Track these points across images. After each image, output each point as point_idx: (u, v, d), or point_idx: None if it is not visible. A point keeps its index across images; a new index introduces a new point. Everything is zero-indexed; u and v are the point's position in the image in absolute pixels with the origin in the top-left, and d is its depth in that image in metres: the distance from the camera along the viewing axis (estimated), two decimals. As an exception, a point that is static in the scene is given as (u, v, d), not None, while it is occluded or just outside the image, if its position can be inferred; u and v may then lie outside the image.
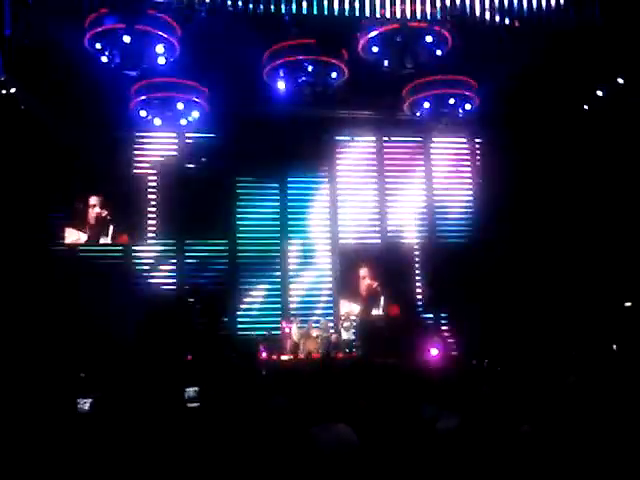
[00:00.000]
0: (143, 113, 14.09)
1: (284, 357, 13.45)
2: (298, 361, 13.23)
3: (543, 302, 14.28)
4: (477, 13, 11.42)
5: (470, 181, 16.55)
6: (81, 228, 15.20)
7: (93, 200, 15.33)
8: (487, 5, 11.42)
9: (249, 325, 14.98)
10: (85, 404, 6.79)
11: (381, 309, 15.40)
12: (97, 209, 15.35)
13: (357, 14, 11.77)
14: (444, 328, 15.59)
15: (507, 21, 11.45)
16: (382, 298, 15.48)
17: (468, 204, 16.43)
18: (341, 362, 12.95)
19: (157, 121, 14.27)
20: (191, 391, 7.71)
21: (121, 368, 10.35)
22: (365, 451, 5.05)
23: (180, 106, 13.96)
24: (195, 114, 14.23)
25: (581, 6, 11.43)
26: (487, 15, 11.40)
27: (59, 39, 11.74)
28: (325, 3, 11.51)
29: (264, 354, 13.31)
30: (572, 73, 13.21)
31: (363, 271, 15.64)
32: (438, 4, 11.55)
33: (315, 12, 11.99)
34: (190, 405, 7.55)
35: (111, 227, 15.30)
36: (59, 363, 11.23)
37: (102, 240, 15.29)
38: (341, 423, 5.17)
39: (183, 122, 14.31)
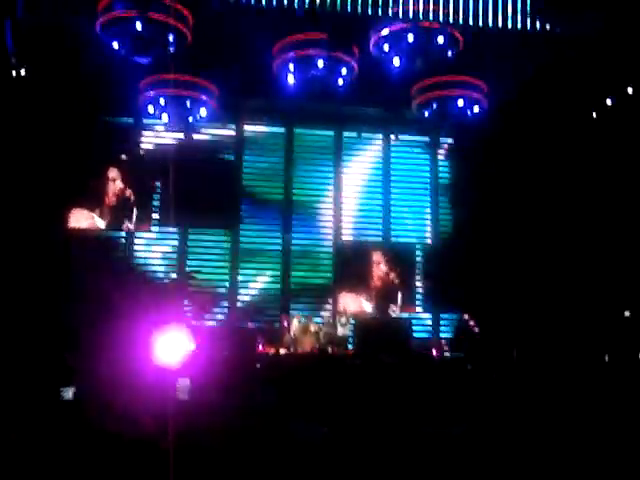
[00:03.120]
0: (151, 109, 14.14)
1: (281, 351, 13.45)
2: (295, 356, 13.25)
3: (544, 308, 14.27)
4: (489, 18, 11.47)
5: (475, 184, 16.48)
6: (96, 210, 14.42)
7: (113, 172, 14.64)
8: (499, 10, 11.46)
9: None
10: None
11: (397, 306, 15.35)
12: (119, 183, 14.68)
13: (370, 11, 11.82)
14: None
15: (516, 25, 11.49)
16: (399, 294, 15.43)
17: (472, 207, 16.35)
18: (340, 359, 12.98)
19: (164, 117, 14.36)
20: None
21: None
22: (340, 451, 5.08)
23: (188, 104, 13.97)
24: (203, 112, 14.27)
25: (582, 15, 11.47)
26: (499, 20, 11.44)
27: (71, 23, 11.80)
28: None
29: (260, 347, 13.31)
30: (581, 81, 13.21)
31: (373, 263, 15.60)
32: (451, 5, 11.60)
33: (328, 7, 12.06)
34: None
35: (135, 211, 14.62)
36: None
37: (124, 227, 14.54)
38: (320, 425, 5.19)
39: (190, 119, 14.34)
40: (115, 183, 14.62)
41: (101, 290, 13.12)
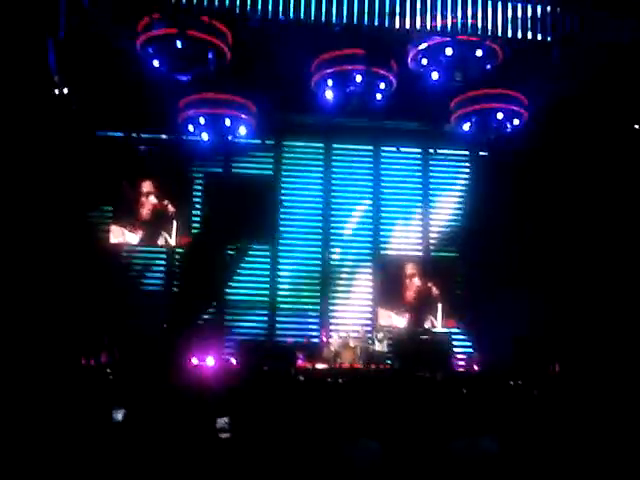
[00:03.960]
0: (191, 128, 14.31)
1: (321, 366, 13.43)
2: (336, 370, 13.21)
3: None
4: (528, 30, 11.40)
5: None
6: (129, 225, 14.30)
7: (147, 186, 14.57)
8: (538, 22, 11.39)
9: (287, 332, 15.00)
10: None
11: (438, 320, 15.17)
12: (153, 198, 14.59)
13: (407, 25, 11.81)
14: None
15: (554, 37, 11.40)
16: (439, 307, 15.25)
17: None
18: (377, 374, 12.93)
19: (205, 136, 14.52)
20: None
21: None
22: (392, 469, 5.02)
23: (228, 122, 14.13)
24: (242, 130, 14.40)
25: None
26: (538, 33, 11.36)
27: (112, 40, 12.00)
28: (376, 14, 11.55)
29: (300, 361, 13.30)
30: (622, 97, 13.05)
31: (413, 277, 15.48)
32: (489, 18, 11.55)
33: (366, 22, 12.06)
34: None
35: (174, 224, 14.42)
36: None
37: (161, 242, 14.42)
38: (373, 440, 5.14)
39: (230, 137, 14.48)
40: (149, 198, 14.61)
41: (142, 305, 13.26)
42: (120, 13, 11.20)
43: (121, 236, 14.35)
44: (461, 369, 14.39)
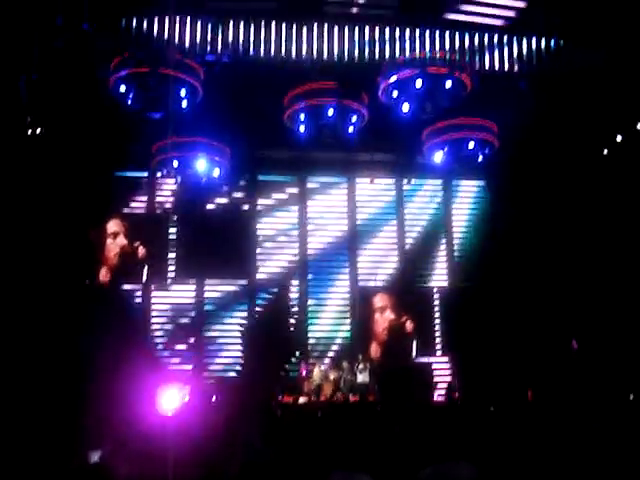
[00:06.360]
0: (163, 170, 14.48)
1: (302, 400, 13.33)
2: (317, 404, 13.13)
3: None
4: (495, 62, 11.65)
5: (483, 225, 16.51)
6: (108, 264, 14.37)
7: (114, 226, 14.59)
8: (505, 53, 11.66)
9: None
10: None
11: (413, 353, 15.20)
12: (121, 239, 14.60)
13: (377, 59, 11.99)
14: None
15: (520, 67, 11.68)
16: (414, 342, 15.27)
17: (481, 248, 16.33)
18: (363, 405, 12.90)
19: (178, 178, 14.69)
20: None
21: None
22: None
23: (201, 165, 14.17)
24: (216, 172, 14.45)
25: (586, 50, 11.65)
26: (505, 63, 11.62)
27: (85, 81, 12.03)
28: (345, 48, 11.72)
29: (280, 397, 13.20)
30: (590, 118, 13.31)
31: (388, 312, 15.53)
32: (457, 49, 11.78)
33: (337, 56, 12.23)
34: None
35: (145, 268, 14.44)
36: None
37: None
38: (363, 473, 5.08)
39: (204, 180, 14.52)
40: (120, 238, 14.62)
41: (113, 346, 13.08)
42: (95, 51, 11.22)
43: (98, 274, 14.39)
44: (441, 397, 14.40)
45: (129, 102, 12.04)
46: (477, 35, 12.10)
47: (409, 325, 15.33)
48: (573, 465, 5.91)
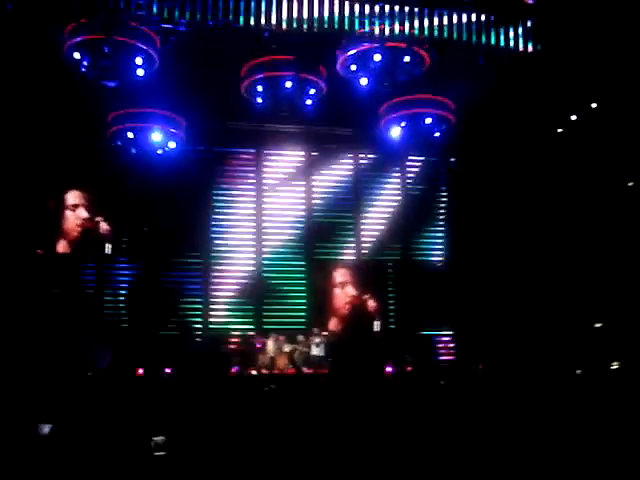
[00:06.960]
0: (119, 142, 14.15)
1: (254, 372, 13.36)
2: (271, 376, 13.17)
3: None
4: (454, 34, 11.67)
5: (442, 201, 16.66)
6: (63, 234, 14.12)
7: (73, 198, 14.45)
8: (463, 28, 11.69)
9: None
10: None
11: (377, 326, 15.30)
12: (83, 212, 14.46)
13: (337, 32, 11.90)
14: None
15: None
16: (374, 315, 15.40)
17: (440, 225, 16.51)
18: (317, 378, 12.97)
19: (132, 150, 14.34)
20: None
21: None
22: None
23: (157, 137, 14.03)
24: (172, 144, 14.33)
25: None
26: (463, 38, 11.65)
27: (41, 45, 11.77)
28: (305, 19, 11.61)
29: (234, 369, 13.20)
30: (543, 98, 13.45)
31: (348, 282, 15.61)
32: (416, 25, 11.74)
33: (295, 28, 12.10)
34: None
35: (108, 246, 14.31)
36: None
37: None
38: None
39: (159, 152, 14.35)
40: (80, 210, 14.43)
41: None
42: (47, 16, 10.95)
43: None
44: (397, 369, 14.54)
45: (83, 70, 11.81)
46: (436, 10, 12.04)
47: (368, 299, 15.46)
48: (519, 438, 6.05)
